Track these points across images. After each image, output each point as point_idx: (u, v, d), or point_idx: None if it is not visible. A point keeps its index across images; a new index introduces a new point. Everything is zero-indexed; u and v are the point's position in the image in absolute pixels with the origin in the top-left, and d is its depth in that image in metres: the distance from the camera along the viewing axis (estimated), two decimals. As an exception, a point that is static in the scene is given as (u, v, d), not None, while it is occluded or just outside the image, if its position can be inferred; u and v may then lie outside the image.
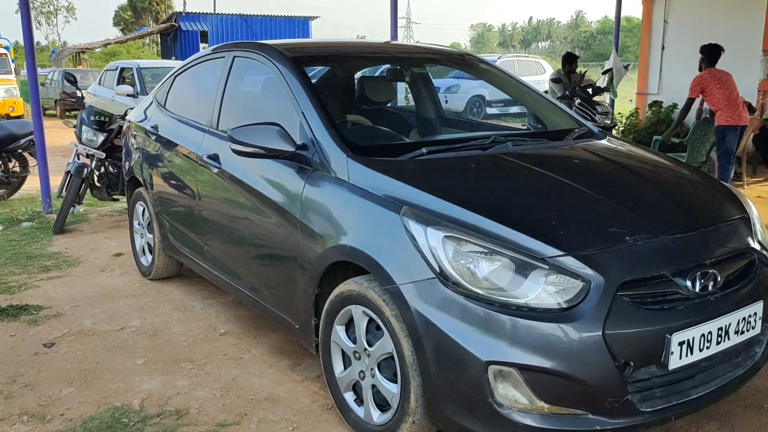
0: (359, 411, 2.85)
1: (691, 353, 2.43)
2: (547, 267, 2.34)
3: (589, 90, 9.03)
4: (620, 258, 2.44)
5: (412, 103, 4.83)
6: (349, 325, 2.88)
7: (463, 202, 2.60)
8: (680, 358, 2.41)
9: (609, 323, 2.29)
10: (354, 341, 2.82)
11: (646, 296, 2.43)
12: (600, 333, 2.27)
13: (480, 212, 2.53)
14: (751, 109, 8.86)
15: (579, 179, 2.90)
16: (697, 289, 2.50)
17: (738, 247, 2.74)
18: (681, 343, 2.39)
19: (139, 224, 5.13)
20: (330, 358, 2.97)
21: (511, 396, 2.32)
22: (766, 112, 9.84)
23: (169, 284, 4.92)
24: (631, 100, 13.80)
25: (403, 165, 2.95)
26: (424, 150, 3.05)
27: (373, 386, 2.75)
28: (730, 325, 2.53)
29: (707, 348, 2.47)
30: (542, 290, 2.31)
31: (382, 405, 2.76)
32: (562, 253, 2.38)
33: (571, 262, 2.37)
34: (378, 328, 2.70)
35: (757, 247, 2.83)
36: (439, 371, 2.40)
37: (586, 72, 10.70)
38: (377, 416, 2.75)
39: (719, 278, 2.57)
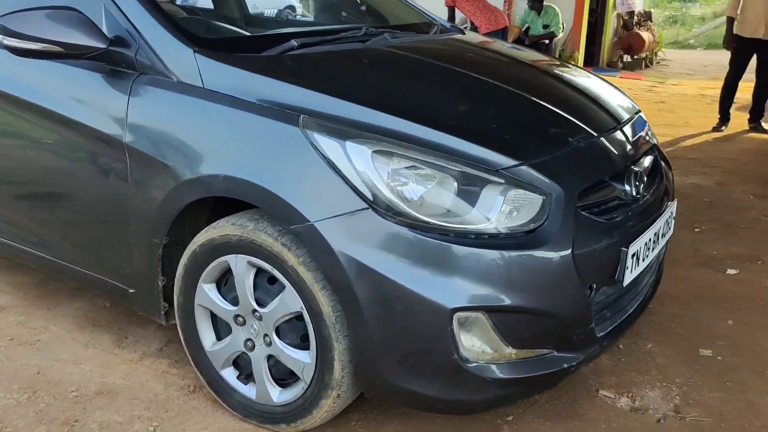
0: (247, 390, 2.17)
1: (638, 265, 2.16)
2: (503, 181, 1.85)
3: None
4: (571, 164, 2.05)
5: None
6: (222, 282, 2.16)
7: (379, 105, 1.98)
8: (631, 271, 2.12)
9: (576, 242, 1.89)
10: (234, 302, 2.11)
11: (597, 206, 2.08)
12: (570, 255, 1.87)
13: (407, 117, 1.94)
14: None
15: (490, 75, 2.43)
16: (634, 193, 2.21)
17: (647, 144, 2.52)
18: (633, 255, 2.09)
19: None
20: (194, 328, 2.23)
21: (478, 347, 1.84)
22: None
23: None
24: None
25: (275, 62, 2.22)
26: (294, 43, 2.32)
27: (270, 357, 2.09)
28: (660, 228, 2.30)
29: (647, 257, 2.22)
30: (502, 211, 1.83)
31: (282, 379, 2.12)
32: (516, 162, 1.91)
33: (527, 172, 1.91)
34: (272, 281, 2.03)
35: (655, 141, 2.65)
36: (382, 330, 1.83)
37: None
38: (277, 394, 2.10)
39: (644, 179, 2.31)
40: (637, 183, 2.23)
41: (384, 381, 1.89)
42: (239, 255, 2.03)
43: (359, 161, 1.81)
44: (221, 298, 2.14)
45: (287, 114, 1.93)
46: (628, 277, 2.10)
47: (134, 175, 2.18)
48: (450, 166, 1.82)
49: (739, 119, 7.00)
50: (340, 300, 1.86)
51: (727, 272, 3.38)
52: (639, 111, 2.68)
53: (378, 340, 1.84)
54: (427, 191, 1.80)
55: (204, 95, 2.06)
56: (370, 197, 1.79)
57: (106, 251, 2.40)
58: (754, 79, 6.81)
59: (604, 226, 2.02)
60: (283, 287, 1.97)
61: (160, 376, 2.46)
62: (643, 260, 2.19)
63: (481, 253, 1.78)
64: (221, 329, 2.21)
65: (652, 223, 2.22)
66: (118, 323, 2.83)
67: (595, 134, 2.20)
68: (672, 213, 2.45)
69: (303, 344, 2.02)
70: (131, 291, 2.38)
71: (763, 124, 6.95)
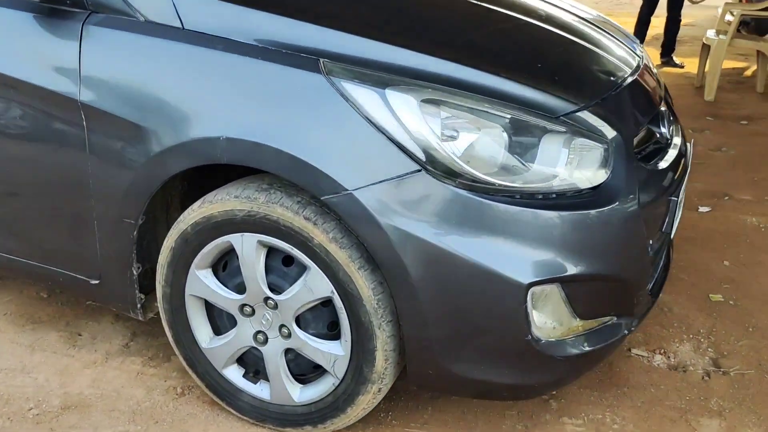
0: (258, 391, 1.84)
1: (680, 213, 1.99)
2: (565, 130, 1.59)
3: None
4: (623, 107, 1.82)
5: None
6: (218, 267, 1.79)
7: (411, 44, 1.65)
8: (677, 221, 1.94)
9: (641, 195, 1.67)
10: (238, 290, 1.76)
11: (643, 153, 1.87)
12: (638, 209, 1.65)
13: (450, 59, 1.63)
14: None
15: (523, 12, 2.12)
16: (668, 135, 2.03)
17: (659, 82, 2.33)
18: (677, 205, 1.91)
19: None
20: (185, 323, 1.85)
21: (549, 324, 1.60)
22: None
23: None
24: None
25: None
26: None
27: (288, 351, 1.77)
28: (687, 174, 2.13)
29: (682, 203, 2.05)
30: (568, 165, 1.57)
31: (302, 375, 1.81)
32: (576, 106, 1.65)
33: (587, 118, 1.66)
34: (289, 262, 1.69)
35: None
36: (440, 312, 1.55)
37: None
38: (299, 393, 1.79)
39: (671, 118, 2.13)
40: (667, 124, 2.04)
41: (440, 370, 1.62)
42: (246, 234, 1.67)
43: (405, 114, 1.49)
44: (222, 285, 1.77)
45: (303, 59, 1.57)
46: (673, 229, 1.92)
47: (95, 142, 1.75)
48: (511, 115, 1.54)
49: (652, 54, 7.07)
50: (384, 280, 1.56)
51: (700, 210, 3.32)
52: (641, 44, 2.49)
53: (435, 324, 1.56)
54: (486, 146, 1.51)
55: (186, 38, 1.65)
56: (422, 157, 1.48)
57: (57, 237, 1.95)
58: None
59: (656, 175, 1.82)
60: (305, 269, 1.65)
61: (135, 379, 2.07)
62: (680, 211, 2.02)
63: (552, 216, 1.52)
64: (220, 322, 1.85)
65: (688, 167, 2.04)
66: (63, 317, 2.39)
67: (632, 73, 1.97)
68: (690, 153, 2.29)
69: (330, 333, 1.71)
70: (93, 282, 1.96)
71: (674, 58, 7.07)
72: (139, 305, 1.92)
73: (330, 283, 1.62)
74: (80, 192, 1.82)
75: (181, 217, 1.74)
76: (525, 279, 1.49)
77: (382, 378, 1.67)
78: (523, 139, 1.55)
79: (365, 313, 1.60)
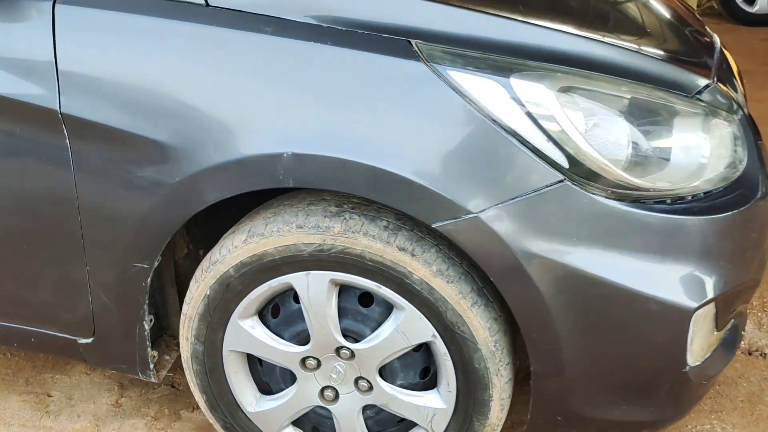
0: (325, 456, 1.49)
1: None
2: (704, 111, 1.31)
3: None
4: (730, 80, 1.56)
5: None
6: (264, 313, 1.40)
7: (519, 13, 1.30)
8: None
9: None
10: (298, 340, 1.37)
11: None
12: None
13: (569, 31, 1.29)
14: None
15: None
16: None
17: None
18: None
19: None
20: (224, 384, 1.45)
21: (697, 347, 1.34)
22: None
23: None
24: None
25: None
26: None
27: (368, 408, 1.42)
28: None
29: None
30: (713, 155, 1.29)
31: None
32: (707, 81, 1.36)
33: (714, 95, 1.38)
34: (366, 302, 1.33)
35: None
36: (583, 350, 1.25)
37: None
38: (381, 455, 1.45)
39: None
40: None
41: (572, 415, 1.33)
42: (313, 272, 1.28)
43: (540, 108, 1.15)
44: (275, 336, 1.38)
45: (390, 42, 1.18)
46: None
47: (83, 165, 1.29)
48: (656, 99, 1.23)
49: None
50: (497, 316, 1.26)
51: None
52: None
53: (574, 364, 1.26)
54: (633, 142, 1.20)
55: (216, 19, 1.21)
56: (565, 163, 1.15)
57: (33, 290, 1.47)
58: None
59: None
60: (390, 309, 1.30)
61: (144, 453, 1.65)
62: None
63: (710, 223, 1.24)
64: (269, 379, 1.47)
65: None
66: (18, 373, 1.90)
67: (720, 50, 1.70)
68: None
69: (421, 382, 1.38)
70: (84, 341, 1.51)
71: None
72: (152, 364, 1.50)
73: (431, 325, 1.28)
74: (64, 232, 1.36)
75: (216, 257, 1.33)
76: (692, 303, 1.21)
77: (495, 430, 1.37)
78: (676, 129, 1.25)
79: (480, 359, 1.28)
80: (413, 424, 1.42)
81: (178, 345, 1.60)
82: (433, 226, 1.17)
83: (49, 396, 1.82)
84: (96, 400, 1.80)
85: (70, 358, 1.73)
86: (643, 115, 1.21)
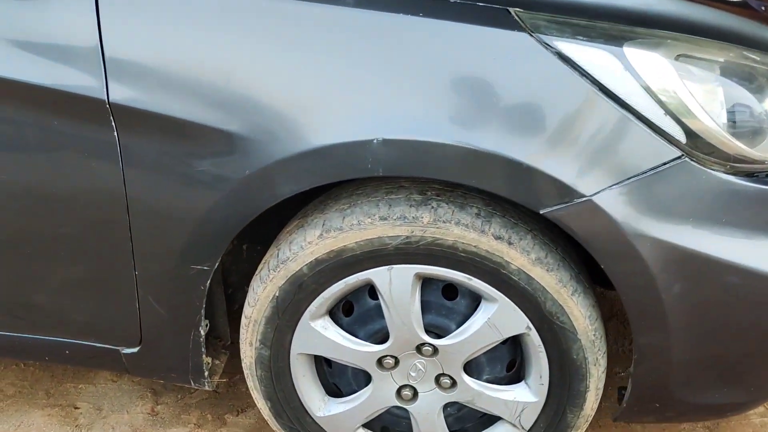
0: (400, 458, 1.40)
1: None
2: None
3: None
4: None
5: None
6: (336, 311, 1.29)
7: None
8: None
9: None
10: (375, 339, 1.27)
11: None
12: None
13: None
14: None
15: None
16: None
17: None
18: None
19: None
20: (291, 389, 1.34)
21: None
22: None
23: None
24: None
25: None
26: None
27: (449, 405, 1.33)
28: None
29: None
30: None
31: (462, 430, 1.38)
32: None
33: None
34: (451, 295, 1.23)
35: None
36: (696, 338, 1.18)
37: None
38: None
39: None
40: None
41: (671, 401, 1.27)
42: (396, 266, 1.17)
43: (656, 79, 1.05)
44: (350, 336, 1.27)
45: (488, 10, 1.06)
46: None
47: (137, 158, 1.14)
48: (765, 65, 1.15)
49: None
50: (595, 303, 1.19)
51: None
52: None
53: (683, 350, 1.19)
54: (753, 113, 1.12)
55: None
56: (683, 139, 1.06)
57: (71, 299, 1.32)
58: None
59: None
60: (477, 301, 1.20)
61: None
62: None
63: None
64: (339, 380, 1.36)
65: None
66: (37, 383, 1.75)
67: None
68: None
69: (507, 375, 1.30)
70: (128, 351, 1.37)
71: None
72: (206, 372, 1.37)
73: (526, 317, 1.19)
74: (110, 235, 1.21)
75: (286, 254, 1.20)
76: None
77: (587, 422, 1.30)
78: None
79: (579, 349, 1.20)
80: (495, 419, 1.34)
81: (224, 348, 1.49)
82: (541, 212, 1.08)
83: (76, 408, 1.68)
84: (129, 410, 1.67)
85: (110, 370, 1.59)
86: (753, 81, 1.13)
